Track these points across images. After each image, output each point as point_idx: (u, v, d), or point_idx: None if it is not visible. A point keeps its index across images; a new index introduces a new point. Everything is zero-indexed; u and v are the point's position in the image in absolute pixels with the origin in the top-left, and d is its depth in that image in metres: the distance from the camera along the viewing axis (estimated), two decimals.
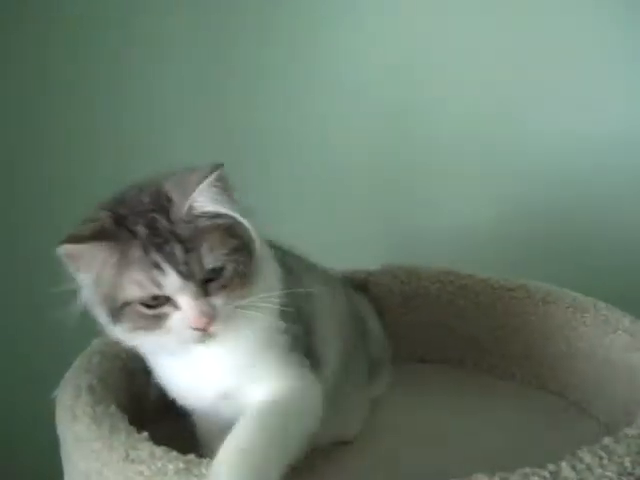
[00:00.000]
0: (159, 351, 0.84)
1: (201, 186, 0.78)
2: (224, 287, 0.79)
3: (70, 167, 1.65)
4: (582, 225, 1.54)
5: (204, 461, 0.75)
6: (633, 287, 1.47)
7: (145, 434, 0.80)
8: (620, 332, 1.11)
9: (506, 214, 1.57)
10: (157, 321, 0.78)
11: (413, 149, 1.59)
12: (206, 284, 0.78)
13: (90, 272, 0.78)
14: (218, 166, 0.79)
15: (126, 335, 0.81)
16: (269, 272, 0.87)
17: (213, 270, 0.78)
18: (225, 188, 0.80)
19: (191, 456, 0.76)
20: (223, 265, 0.79)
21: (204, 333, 0.78)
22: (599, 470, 0.75)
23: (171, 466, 0.74)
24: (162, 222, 0.78)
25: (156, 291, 0.77)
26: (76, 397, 0.88)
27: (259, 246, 0.83)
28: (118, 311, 0.78)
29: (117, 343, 1.01)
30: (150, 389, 0.91)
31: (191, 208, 0.79)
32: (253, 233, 0.82)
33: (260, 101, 1.61)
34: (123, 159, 1.61)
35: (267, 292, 0.83)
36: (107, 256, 0.77)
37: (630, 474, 0.75)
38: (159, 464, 0.75)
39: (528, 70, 1.51)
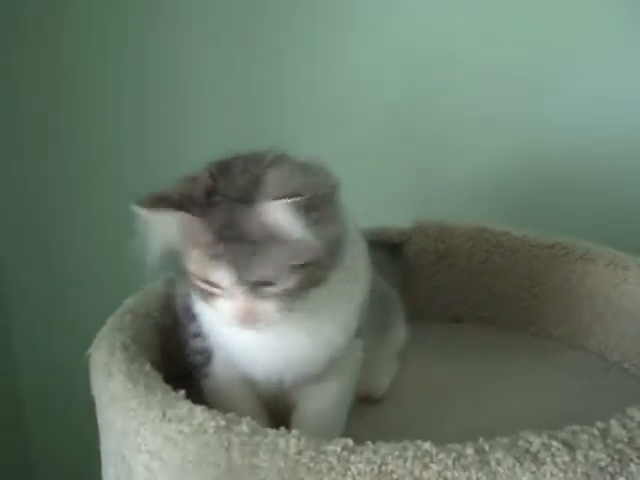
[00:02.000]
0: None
1: (298, 199, 0.73)
2: (277, 295, 0.77)
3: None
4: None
5: (245, 419, 0.73)
6: None
7: (182, 392, 0.79)
8: None
9: (539, 166, 1.53)
10: (208, 297, 0.79)
11: (443, 99, 1.55)
12: (260, 287, 0.77)
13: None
14: (329, 187, 0.77)
15: (190, 290, 0.84)
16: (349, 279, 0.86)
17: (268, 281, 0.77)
18: (323, 210, 0.75)
19: (232, 414, 0.74)
20: (280, 277, 0.76)
21: (248, 326, 0.78)
22: None
23: (212, 423, 0.72)
24: (242, 215, 0.76)
25: (209, 278, 0.77)
26: (110, 355, 0.86)
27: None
28: (184, 272, 0.80)
29: (149, 301, 1.02)
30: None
31: (275, 215, 0.75)
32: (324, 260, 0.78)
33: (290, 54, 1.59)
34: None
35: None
36: (187, 223, 0.77)
37: None
38: (198, 422, 0.73)
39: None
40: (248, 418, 0.74)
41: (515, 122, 1.51)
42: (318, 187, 0.75)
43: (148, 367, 0.84)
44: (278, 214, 0.74)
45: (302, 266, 0.77)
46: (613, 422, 0.73)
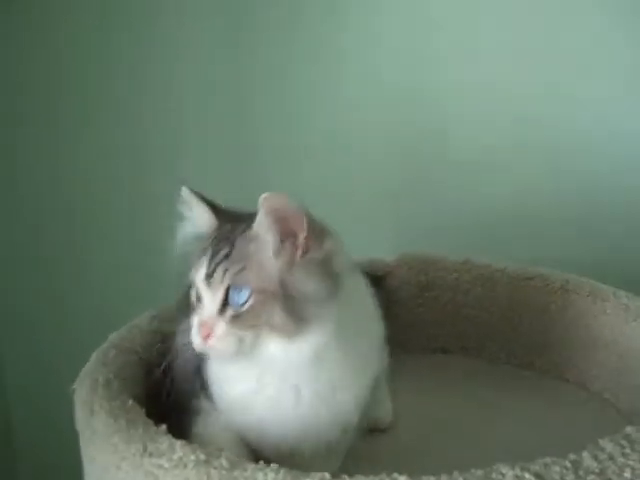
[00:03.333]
0: None
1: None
2: (237, 317, 0.80)
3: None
4: (600, 212, 1.52)
5: (224, 453, 0.74)
6: None
7: (163, 427, 0.80)
8: None
9: (523, 206, 1.55)
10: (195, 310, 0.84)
11: (430, 139, 1.57)
12: (226, 306, 0.80)
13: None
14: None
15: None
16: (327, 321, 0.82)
17: (236, 294, 0.79)
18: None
19: (211, 448, 0.75)
20: (249, 295, 0.79)
21: (202, 344, 0.81)
22: (621, 459, 0.73)
23: (192, 457, 0.73)
24: (240, 227, 0.83)
25: (193, 277, 0.83)
26: (93, 391, 0.87)
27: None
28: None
29: (133, 336, 1.04)
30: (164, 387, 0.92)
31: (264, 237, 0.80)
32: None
33: (271, 91, 1.61)
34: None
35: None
36: (206, 221, 0.88)
37: None
38: (179, 456, 0.74)
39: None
40: (227, 453, 0.75)
41: (502, 159, 1.54)
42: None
43: (130, 403, 0.85)
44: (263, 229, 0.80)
45: (271, 295, 0.79)
46: (585, 454, 0.74)
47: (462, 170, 1.56)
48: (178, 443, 0.76)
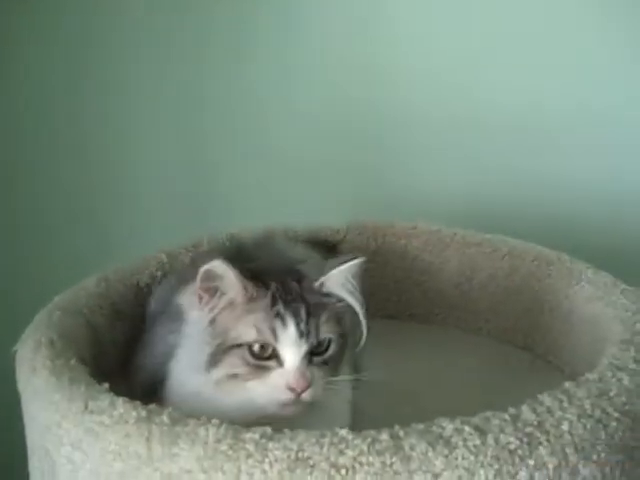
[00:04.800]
0: (238, 408, 0.81)
1: (340, 268, 0.85)
2: (325, 363, 0.84)
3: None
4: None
5: (166, 410, 0.74)
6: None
7: (105, 385, 0.80)
8: (583, 283, 1.11)
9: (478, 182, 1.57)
10: (257, 372, 0.81)
11: (392, 107, 1.58)
12: (311, 355, 0.82)
13: (222, 300, 0.82)
14: (359, 258, 0.86)
15: (217, 381, 0.82)
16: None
17: (320, 344, 0.83)
18: (357, 280, 0.86)
19: (152, 405, 0.75)
20: (330, 342, 0.84)
21: (296, 398, 0.80)
22: (559, 412, 0.75)
23: (133, 414, 0.73)
24: (293, 285, 0.85)
25: (271, 340, 0.81)
26: (36, 351, 0.87)
27: (364, 338, 0.90)
28: (224, 352, 0.82)
29: (79, 298, 1.03)
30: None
31: (322, 285, 0.86)
32: (364, 326, 0.89)
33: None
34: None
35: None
36: (241, 292, 0.82)
37: (590, 416, 0.75)
38: (119, 413, 0.74)
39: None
40: (170, 409, 0.75)
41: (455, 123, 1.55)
42: (352, 259, 0.86)
43: (73, 362, 0.85)
44: (333, 280, 0.85)
45: (340, 335, 0.85)
46: (524, 407, 0.76)
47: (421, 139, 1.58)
48: (120, 400, 0.76)
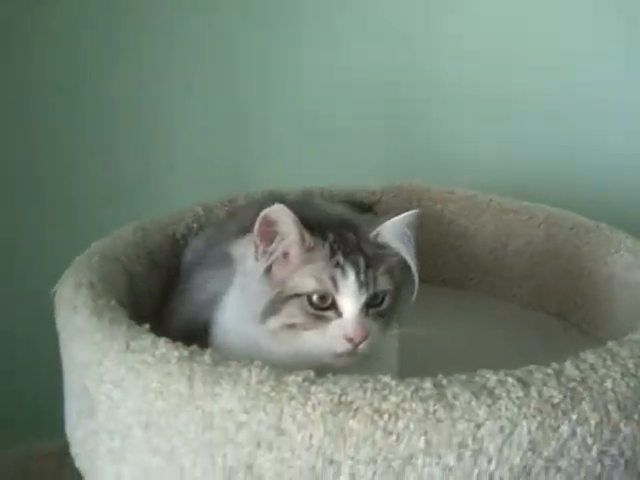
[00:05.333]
0: (292, 358, 0.80)
1: (395, 219, 0.84)
2: (380, 316, 0.83)
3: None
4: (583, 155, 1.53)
5: (208, 350, 0.74)
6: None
7: (146, 326, 0.80)
8: (623, 252, 1.10)
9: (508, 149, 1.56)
10: (315, 322, 0.80)
11: (426, 72, 1.57)
12: (367, 307, 0.82)
13: (279, 246, 0.81)
14: (414, 212, 0.84)
15: (273, 330, 0.81)
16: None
17: (376, 296, 0.83)
18: (412, 232, 0.85)
19: (194, 346, 0.75)
20: (385, 294, 0.84)
21: (353, 348, 0.80)
22: (603, 370, 0.74)
23: (175, 353, 0.73)
24: (350, 236, 0.84)
25: (331, 290, 0.80)
26: (76, 291, 0.87)
27: (415, 292, 0.87)
28: (283, 301, 0.81)
29: (117, 246, 1.03)
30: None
31: (378, 235, 0.85)
32: (416, 280, 0.86)
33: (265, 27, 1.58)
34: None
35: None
36: (299, 241, 0.82)
37: (633, 375, 0.75)
38: (161, 352, 0.74)
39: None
40: (211, 350, 0.75)
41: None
42: (407, 212, 0.84)
43: (113, 303, 0.85)
44: (388, 232, 0.84)
45: (395, 288, 0.85)
46: (567, 363, 0.75)
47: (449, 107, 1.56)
48: (161, 340, 0.76)
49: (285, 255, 0.82)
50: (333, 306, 0.81)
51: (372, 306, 0.82)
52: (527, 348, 1.09)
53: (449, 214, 1.29)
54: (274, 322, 0.81)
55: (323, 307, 0.81)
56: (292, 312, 0.81)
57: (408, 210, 0.85)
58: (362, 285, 0.81)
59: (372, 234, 0.85)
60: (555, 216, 1.22)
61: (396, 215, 0.84)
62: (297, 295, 0.81)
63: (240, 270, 0.86)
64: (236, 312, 0.85)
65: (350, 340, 0.80)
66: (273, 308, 0.81)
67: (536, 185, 1.48)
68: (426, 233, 1.30)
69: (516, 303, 1.25)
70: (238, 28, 1.57)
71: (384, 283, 0.83)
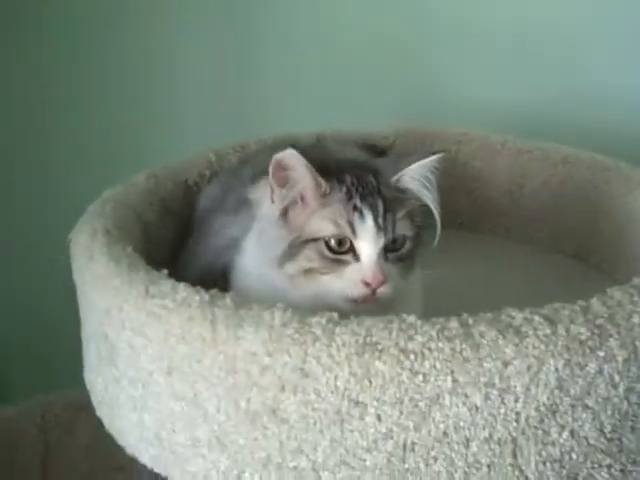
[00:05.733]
0: (310, 303, 0.79)
1: (418, 163, 0.82)
2: (399, 260, 0.81)
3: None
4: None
5: (229, 294, 0.73)
6: None
7: (165, 271, 0.78)
8: None
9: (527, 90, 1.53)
10: (332, 266, 0.79)
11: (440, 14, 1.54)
12: (386, 252, 0.80)
13: (292, 191, 0.80)
14: (438, 156, 0.83)
15: (291, 275, 0.80)
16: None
17: (396, 240, 0.81)
18: (434, 177, 0.84)
19: (214, 290, 0.74)
20: (405, 239, 0.82)
21: (371, 293, 0.78)
22: (630, 306, 0.73)
23: (196, 297, 0.72)
24: (369, 179, 0.82)
25: (349, 234, 0.79)
26: (92, 238, 0.86)
27: (437, 237, 0.86)
28: (300, 246, 0.80)
29: (130, 194, 1.02)
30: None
31: (399, 180, 0.83)
32: (438, 226, 0.85)
33: None
34: None
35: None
36: (315, 185, 0.80)
37: None
38: (182, 297, 0.73)
39: None
40: (232, 293, 0.73)
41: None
42: (431, 155, 0.83)
43: (130, 249, 0.84)
44: (410, 176, 0.82)
45: (416, 233, 0.83)
46: (594, 300, 0.74)
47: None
48: (181, 285, 0.75)
49: (302, 199, 0.81)
50: (351, 250, 0.80)
51: (392, 250, 0.81)
52: (547, 289, 1.06)
53: (463, 156, 1.27)
54: (292, 267, 0.80)
55: (341, 251, 0.79)
56: (309, 256, 0.80)
57: (424, 152, 0.83)
58: (380, 229, 0.79)
59: (394, 178, 0.83)
60: (572, 156, 1.20)
61: (418, 159, 0.82)
62: (314, 239, 0.80)
63: (258, 213, 0.85)
64: (256, 256, 0.84)
65: (367, 285, 0.78)
66: (290, 253, 0.80)
67: (552, 125, 1.45)
68: (441, 176, 1.28)
69: (533, 245, 1.23)
70: None
71: (404, 228, 0.82)
